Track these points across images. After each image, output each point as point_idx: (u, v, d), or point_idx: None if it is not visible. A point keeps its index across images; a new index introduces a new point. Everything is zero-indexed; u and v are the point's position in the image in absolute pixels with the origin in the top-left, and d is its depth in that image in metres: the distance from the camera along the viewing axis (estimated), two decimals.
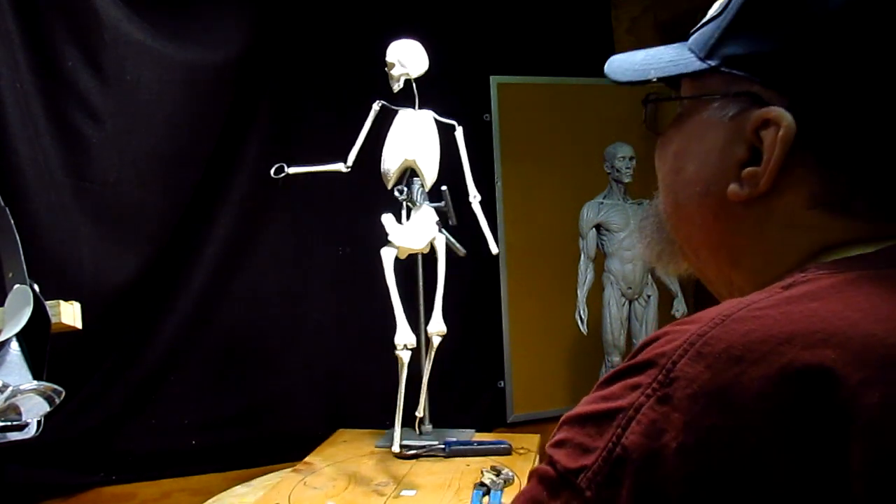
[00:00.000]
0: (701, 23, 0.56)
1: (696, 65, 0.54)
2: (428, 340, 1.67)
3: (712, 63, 0.52)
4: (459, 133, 1.71)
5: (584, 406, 0.44)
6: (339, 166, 1.71)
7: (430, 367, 1.69)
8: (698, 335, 0.41)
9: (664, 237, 0.61)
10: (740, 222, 0.52)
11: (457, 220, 1.71)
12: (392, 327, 1.77)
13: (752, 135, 0.49)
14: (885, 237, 0.48)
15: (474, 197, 1.74)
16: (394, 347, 1.59)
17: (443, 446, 1.71)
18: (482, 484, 1.53)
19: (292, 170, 1.68)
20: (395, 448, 1.59)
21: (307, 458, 1.72)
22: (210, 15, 2.01)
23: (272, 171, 1.69)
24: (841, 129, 0.47)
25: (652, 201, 0.63)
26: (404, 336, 1.59)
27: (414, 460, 1.68)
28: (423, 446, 1.71)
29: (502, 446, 1.72)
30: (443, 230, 1.67)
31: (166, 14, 1.95)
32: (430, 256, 1.70)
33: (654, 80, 0.57)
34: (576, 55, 2.57)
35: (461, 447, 1.72)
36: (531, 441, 1.83)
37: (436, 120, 1.71)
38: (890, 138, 0.46)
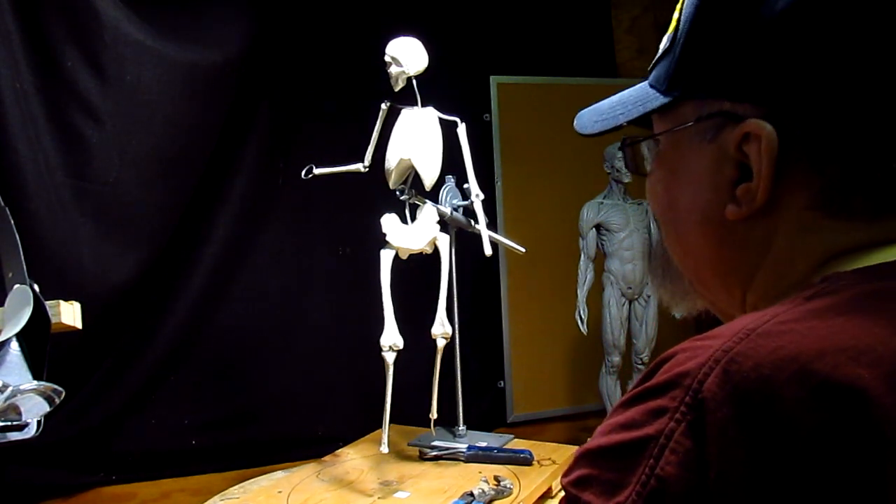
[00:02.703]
0: (655, 59, 0.56)
1: (662, 99, 0.54)
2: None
3: (677, 94, 0.52)
4: (462, 130, 1.70)
5: (603, 437, 0.42)
6: (358, 167, 1.71)
7: (438, 369, 1.69)
8: (723, 351, 0.39)
9: (673, 275, 0.60)
10: (746, 240, 0.51)
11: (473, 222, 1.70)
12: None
13: (737, 151, 0.49)
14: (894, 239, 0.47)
15: (476, 195, 1.72)
16: (379, 349, 1.59)
17: (463, 450, 1.70)
18: (470, 493, 1.51)
19: (318, 171, 1.69)
20: (384, 449, 1.58)
21: (338, 451, 1.74)
22: (210, 15, 2.01)
23: (303, 173, 1.69)
24: (821, 126, 0.46)
25: (657, 243, 0.62)
26: (391, 337, 1.58)
27: (430, 462, 1.68)
28: (446, 449, 1.71)
29: (522, 455, 1.68)
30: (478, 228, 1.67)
31: (166, 14, 1.95)
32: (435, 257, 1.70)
33: (625, 124, 0.56)
34: (576, 55, 2.57)
35: (481, 453, 1.70)
36: (562, 454, 1.74)
37: (439, 118, 1.70)
38: (870, 126, 0.46)
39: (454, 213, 1.78)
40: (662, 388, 0.40)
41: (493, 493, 1.51)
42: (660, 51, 0.56)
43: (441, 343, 1.67)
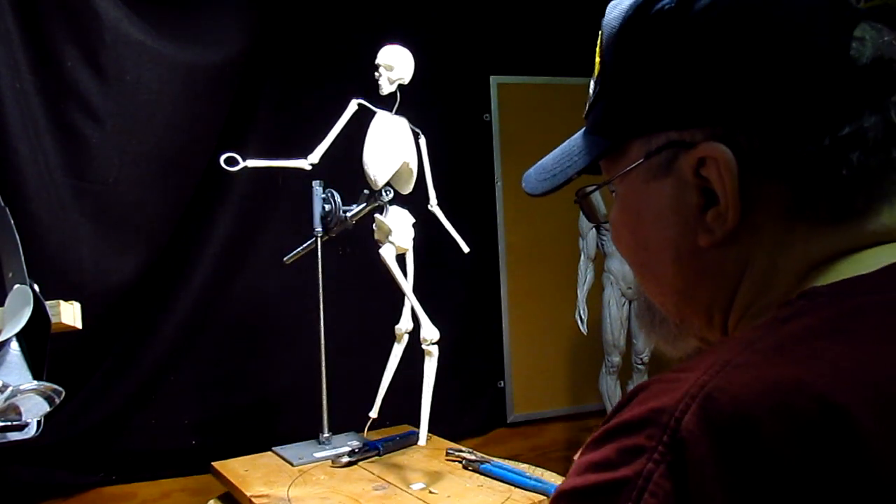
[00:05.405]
0: (588, 106, 0.56)
1: (605, 144, 0.53)
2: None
3: (619, 135, 0.52)
4: (423, 141, 1.75)
5: (579, 477, 0.40)
6: (302, 163, 1.70)
7: (394, 370, 1.71)
8: (699, 385, 0.37)
9: (659, 319, 0.59)
10: (724, 265, 0.50)
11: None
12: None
13: (695, 177, 0.48)
14: (866, 243, 0.46)
15: (434, 201, 1.79)
16: (419, 343, 1.62)
17: (370, 447, 1.71)
18: (472, 461, 1.57)
19: (251, 163, 1.67)
20: (422, 442, 1.59)
21: (253, 493, 1.53)
22: (210, 15, 2.01)
23: (222, 161, 1.63)
24: (774, 133, 0.45)
25: (639, 291, 0.62)
26: (430, 331, 1.60)
27: (355, 466, 1.67)
28: (356, 452, 1.69)
29: (414, 435, 1.71)
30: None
31: (166, 14, 1.95)
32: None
33: (576, 176, 0.56)
34: (576, 55, 2.57)
35: (390, 444, 1.74)
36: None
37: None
38: (820, 122, 0.45)
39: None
40: (637, 425, 0.38)
41: (478, 454, 1.56)
42: (590, 96, 0.56)
43: (405, 340, 1.71)
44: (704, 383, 0.37)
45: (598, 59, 0.54)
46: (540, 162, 0.63)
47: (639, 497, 0.36)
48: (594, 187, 0.58)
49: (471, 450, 1.67)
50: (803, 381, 0.36)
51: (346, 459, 1.67)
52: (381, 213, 1.69)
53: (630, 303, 2.31)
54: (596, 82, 0.54)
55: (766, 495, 0.34)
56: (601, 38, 0.54)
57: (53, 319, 0.99)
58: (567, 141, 0.60)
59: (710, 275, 0.50)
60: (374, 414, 1.75)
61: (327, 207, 1.74)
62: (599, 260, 2.34)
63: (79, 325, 1.05)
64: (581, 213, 2.14)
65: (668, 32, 0.48)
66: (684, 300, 0.54)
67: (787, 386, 0.36)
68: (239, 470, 1.69)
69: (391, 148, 1.65)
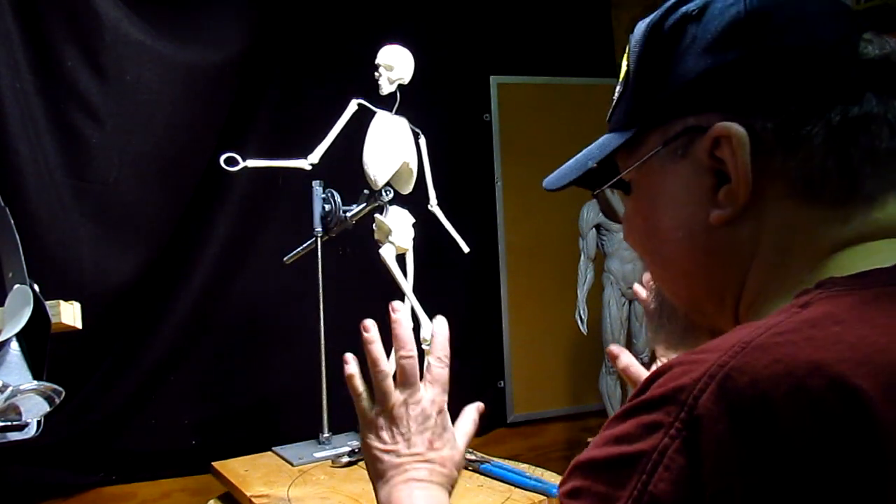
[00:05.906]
0: (612, 107, 0.58)
1: (626, 134, 0.55)
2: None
3: (640, 125, 0.54)
4: (423, 141, 1.76)
5: (597, 449, 0.41)
6: (302, 163, 1.70)
7: (394, 370, 1.70)
8: (719, 366, 0.38)
9: (670, 312, 0.60)
10: (734, 244, 0.50)
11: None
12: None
13: (710, 159, 0.49)
14: (877, 233, 0.47)
15: (434, 201, 1.79)
16: (420, 343, 1.61)
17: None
18: (472, 461, 1.58)
19: (251, 163, 1.67)
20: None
21: (253, 493, 1.54)
22: (210, 15, 2.01)
23: (222, 161, 1.63)
24: (782, 114, 0.47)
25: (651, 287, 0.63)
26: (430, 331, 1.60)
27: (354, 466, 1.66)
28: (356, 452, 1.69)
29: None
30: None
31: (166, 14, 1.95)
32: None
33: (594, 165, 0.58)
34: (576, 55, 2.57)
35: None
36: None
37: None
38: (830, 105, 0.47)
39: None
40: (657, 403, 0.39)
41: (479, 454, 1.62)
42: (615, 98, 0.58)
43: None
44: (724, 364, 0.38)
45: (624, 64, 0.57)
46: (562, 166, 0.66)
47: (653, 470, 0.37)
48: (612, 181, 0.59)
49: (471, 450, 1.67)
50: (821, 364, 0.36)
51: (346, 459, 1.67)
52: (381, 213, 1.69)
53: (630, 303, 2.31)
54: (621, 84, 0.57)
55: (781, 474, 0.35)
56: (628, 47, 0.56)
57: (53, 319, 0.99)
58: (589, 146, 0.62)
59: (721, 254, 0.51)
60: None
61: (327, 207, 1.74)
62: (599, 260, 2.34)
63: (79, 325, 1.05)
64: (581, 212, 2.17)
65: (687, 30, 0.50)
66: (696, 283, 0.55)
67: (804, 368, 0.36)
68: (239, 470, 1.69)
69: (391, 148, 1.65)
